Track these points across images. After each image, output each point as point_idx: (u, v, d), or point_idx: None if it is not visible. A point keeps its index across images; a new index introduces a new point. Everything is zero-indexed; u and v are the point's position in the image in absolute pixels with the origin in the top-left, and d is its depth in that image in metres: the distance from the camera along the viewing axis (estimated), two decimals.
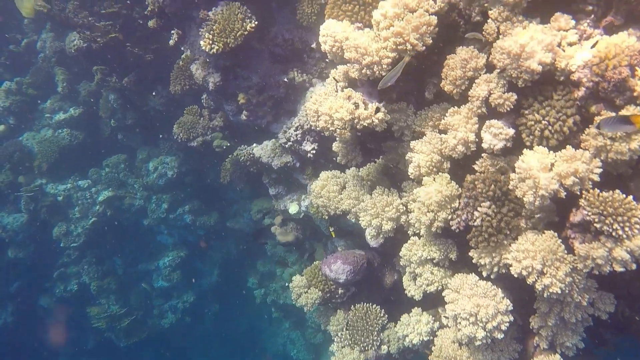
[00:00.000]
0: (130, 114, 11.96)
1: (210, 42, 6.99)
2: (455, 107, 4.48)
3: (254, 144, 8.29)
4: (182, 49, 8.71)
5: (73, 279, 13.46)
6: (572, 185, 3.65)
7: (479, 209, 4.21)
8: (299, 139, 7.24)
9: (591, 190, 3.65)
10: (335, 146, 5.81)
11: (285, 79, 7.75)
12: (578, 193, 3.70)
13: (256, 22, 7.06)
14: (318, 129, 5.04)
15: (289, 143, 7.38)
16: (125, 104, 11.60)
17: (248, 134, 8.76)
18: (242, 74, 7.76)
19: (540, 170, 3.69)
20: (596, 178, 3.64)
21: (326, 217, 6.94)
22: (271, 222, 9.73)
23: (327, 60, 7.82)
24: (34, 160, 12.88)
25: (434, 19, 4.29)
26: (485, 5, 4.24)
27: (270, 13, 7.83)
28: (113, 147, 13.09)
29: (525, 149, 3.92)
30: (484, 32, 4.29)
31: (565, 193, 3.70)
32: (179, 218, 12.72)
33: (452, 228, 4.48)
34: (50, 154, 12.66)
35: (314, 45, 7.78)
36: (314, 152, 7.17)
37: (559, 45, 3.77)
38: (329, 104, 4.81)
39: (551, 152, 3.79)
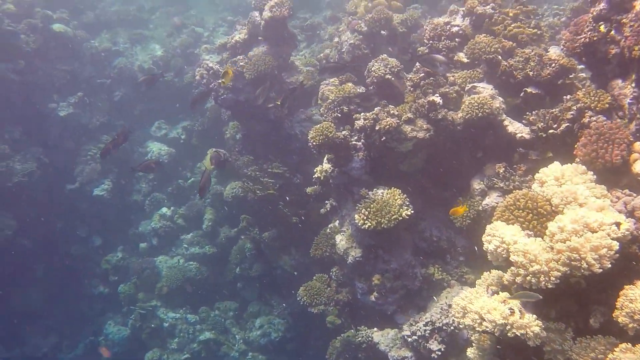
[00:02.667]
0: (257, 267, 12.43)
1: (365, 218, 7.33)
2: (629, 344, 4.03)
3: (375, 329, 8.03)
4: (331, 219, 9.21)
5: None
6: None
7: None
8: (426, 335, 6.89)
9: None
10: (470, 352, 5.39)
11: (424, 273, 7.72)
12: None
13: (412, 211, 7.34)
14: (461, 326, 4.79)
15: (414, 337, 7.03)
16: (258, 256, 12.15)
17: (369, 317, 8.56)
18: (383, 256, 7.89)
19: None
20: None
21: None
22: None
23: (469, 266, 7.75)
24: (158, 282, 13.59)
25: (615, 244, 4.14)
26: None
27: (424, 208, 8.17)
28: (230, 292, 13.45)
29: None
30: None
31: None
32: None
33: None
34: (174, 281, 13.33)
35: (459, 248, 7.81)
36: (440, 353, 6.72)
37: None
38: (482, 303, 4.61)
39: None
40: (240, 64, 10.47)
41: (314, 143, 7.71)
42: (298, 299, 9.21)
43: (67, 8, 16.39)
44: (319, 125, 7.82)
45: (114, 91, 16.14)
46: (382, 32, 10.16)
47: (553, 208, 4.80)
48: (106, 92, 16.07)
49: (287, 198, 10.46)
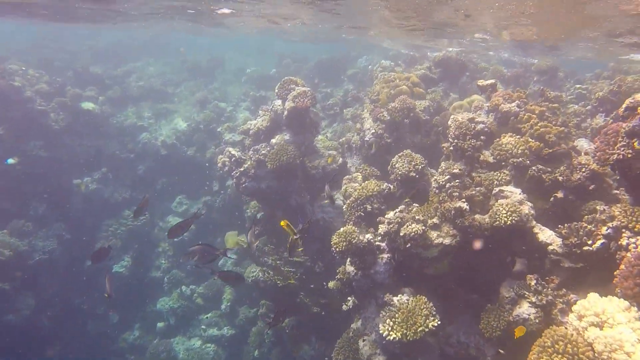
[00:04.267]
0: (276, 352, 12.04)
1: (390, 329, 7.00)
2: None
3: None
4: (353, 317, 8.87)
5: None
6: None
7: None
8: None
9: None
10: None
11: None
12: None
13: (439, 322, 7.00)
14: None
15: None
16: (277, 342, 11.78)
17: None
18: None
19: None
20: None
21: None
22: None
23: None
24: None
25: None
26: None
27: (450, 310, 7.82)
28: None
29: None
30: None
31: None
32: None
33: None
34: None
35: (489, 358, 7.38)
36: None
37: None
38: None
39: None
40: (263, 152, 10.48)
41: (337, 249, 7.51)
42: None
43: (95, 84, 16.90)
44: (342, 230, 7.64)
45: (137, 165, 16.34)
46: (405, 120, 10.13)
47: (596, 355, 4.47)
48: (130, 167, 16.28)
49: (325, 284, 10.05)
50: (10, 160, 12.79)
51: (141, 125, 17.10)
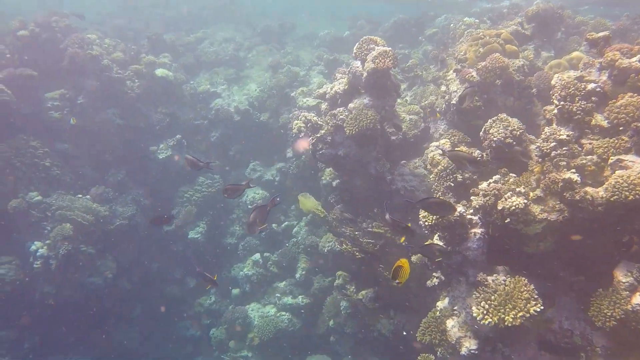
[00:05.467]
0: (352, 324, 11.68)
1: (485, 312, 6.36)
2: None
3: None
4: (439, 294, 8.26)
5: None
6: None
7: None
8: None
9: None
10: None
11: None
12: None
13: (542, 307, 6.26)
14: None
15: None
16: (354, 314, 11.41)
17: None
18: (503, 350, 6.83)
19: None
20: None
21: None
22: None
23: None
24: (249, 332, 13.25)
25: None
26: None
27: (552, 292, 7.03)
28: (321, 345, 12.83)
29: None
30: None
31: None
32: None
33: None
34: (266, 333, 12.93)
35: (599, 349, 6.58)
36: None
37: None
38: None
39: None
40: (340, 117, 9.87)
41: (427, 223, 6.86)
42: None
43: (169, 52, 16.82)
44: None
45: (210, 132, 16.25)
46: (497, 81, 9.15)
47: None
48: (203, 133, 16.21)
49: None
50: (72, 121, 13.50)
51: (214, 91, 16.93)
